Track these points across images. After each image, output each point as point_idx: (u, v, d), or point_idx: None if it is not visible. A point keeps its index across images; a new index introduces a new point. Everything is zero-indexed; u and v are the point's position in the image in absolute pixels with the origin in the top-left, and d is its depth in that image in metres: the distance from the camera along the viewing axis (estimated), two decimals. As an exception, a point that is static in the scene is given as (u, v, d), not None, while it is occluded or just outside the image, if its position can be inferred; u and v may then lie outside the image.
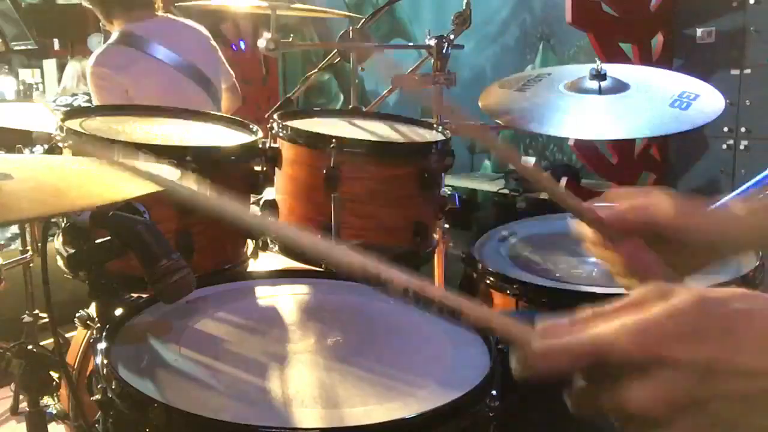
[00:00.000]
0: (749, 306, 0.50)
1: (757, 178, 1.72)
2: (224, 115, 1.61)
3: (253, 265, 1.40)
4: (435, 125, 1.66)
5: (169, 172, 0.89)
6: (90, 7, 2.71)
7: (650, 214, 0.82)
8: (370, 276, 0.61)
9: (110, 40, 2.62)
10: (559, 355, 0.51)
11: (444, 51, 1.82)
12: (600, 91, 1.68)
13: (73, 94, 4.14)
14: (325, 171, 1.33)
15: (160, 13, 2.72)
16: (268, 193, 1.47)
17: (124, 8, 2.61)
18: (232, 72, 2.90)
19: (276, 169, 1.44)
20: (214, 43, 2.84)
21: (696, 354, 0.47)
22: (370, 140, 1.48)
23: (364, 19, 1.96)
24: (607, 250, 0.86)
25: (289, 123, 1.46)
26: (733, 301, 0.50)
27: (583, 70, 1.74)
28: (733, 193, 1.69)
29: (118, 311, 0.99)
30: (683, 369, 0.47)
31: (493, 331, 0.60)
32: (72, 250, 1.04)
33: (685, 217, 0.82)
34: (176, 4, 2.77)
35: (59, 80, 5.50)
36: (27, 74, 5.72)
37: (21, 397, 2.11)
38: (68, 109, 1.50)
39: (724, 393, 0.47)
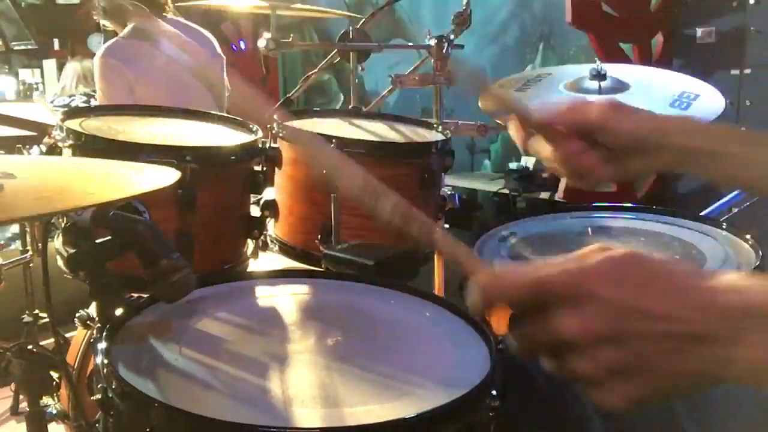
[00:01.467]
0: (672, 267, 0.58)
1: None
2: (224, 115, 1.61)
3: (253, 265, 1.40)
4: (435, 125, 1.67)
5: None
6: (106, 21, 2.76)
7: (583, 114, 0.90)
8: (365, 190, 0.71)
9: (121, 34, 2.65)
10: (505, 285, 0.60)
11: (444, 51, 1.82)
12: (600, 91, 1.68)
13: (71, 95, 4.14)
14: (325, 171, 1.33)
15: (170, 15, 2.75)
16: (268, 193, 1.47)
17: (137, 7, 2.64)
18: (229, 87, 2.92)
19: (276, 169, 1.44)
20: (220, 51, 2.87)
21: (618, 294, 0.56)
22: (370, 140, 1.48)
23: (364, 19, 1.97)
24: (545, 146, 0.95)
25: (289, 123, 1.46)
26: (660, 261, 0.59)
27: (583, 70, 1.74)
28: (720, 202, 1.69)
29: (118, 311, 0.99)
30: (607, 305, 0.56)
31: (457, 262, 0.68)
32: (72, 250, 1.04)
33: (613, 118, 0.89)
34: (176, 4, 2.78)
35: (59, 80, 5.49)
36: (27, 74, 5.72)
37: (21, 397, 2.11)
38: (68, 109, 1.50)
39: (638, 331, 0.55)
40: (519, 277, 0.60)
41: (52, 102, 3.98)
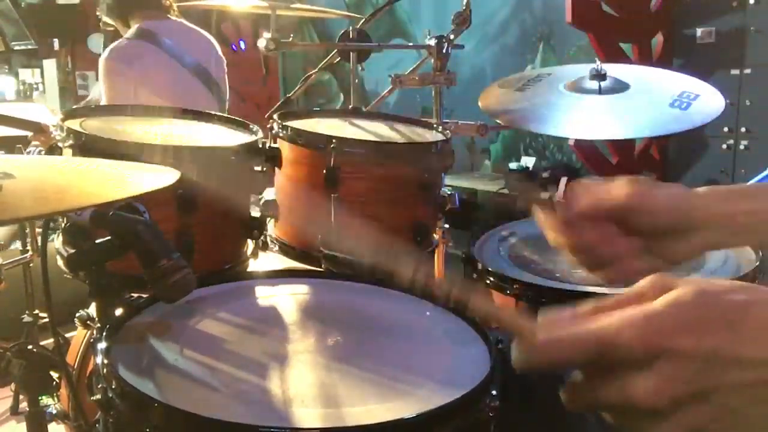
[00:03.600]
0: (748, 297, 0.50)
1: (757, 178, 1.71)
2: (224, 115, 1.61)
3: (253, 265, 1.40)
4: (435, 125, 1.67)
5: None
6: (110, 21, 2.77)
7: (610, 199, 0.77)
8: (379, 263, 0.66)
9: (126, 35, 2.66)
10: (562, 346, 0.52)
11: (444, 51, 1.82)
12: (600, 91, 1.68)
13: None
14: (325, 171, 1.33)
15: (173, 17, 2.76)
16: (268, 193, 1.47)
17: (140, 7, 2.65)
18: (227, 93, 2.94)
19: (276, 169, 1.44)
20: (221, 53, 2.88)
21: (699, 345, 0.47)
22: (370, 140, 1.48)
23: (364, 19, 1.96)
24: (573, 238, 0.80)
25: (289, 123, 1.46)
26: (732, 292, 0.50)
27: (583, 70, 1.73)
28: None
29: (118, 311, 0.99)
30: (687, 360, 0.48)
31: (497, 323, 0.60)
32: (72, 250, 1.04)
33: (645, 195, 0.76)
34: (177, 4, 2.79)
35: (59, 80, 5.51)
36: (27, 74, 5.73)
37: (21, 397, 2.11)
38: (68, 109, 1.50)
39: (728, 383, 0.47)
40: (576, 335, 0.51)
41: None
